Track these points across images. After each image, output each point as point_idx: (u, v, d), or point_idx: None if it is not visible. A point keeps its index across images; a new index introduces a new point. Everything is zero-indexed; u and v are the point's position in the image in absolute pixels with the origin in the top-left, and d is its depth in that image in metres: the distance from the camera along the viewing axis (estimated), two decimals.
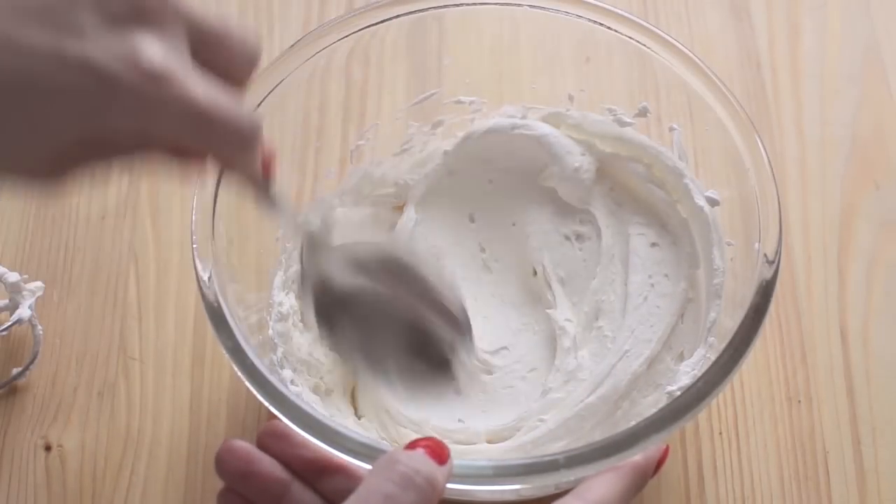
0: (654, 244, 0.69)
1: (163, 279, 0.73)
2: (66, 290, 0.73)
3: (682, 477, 0.67)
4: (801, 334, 0.71)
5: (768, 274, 0.59)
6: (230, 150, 0.47)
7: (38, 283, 0.71)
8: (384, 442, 0.63)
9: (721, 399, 0.68)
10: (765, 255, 0.60)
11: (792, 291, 0.72)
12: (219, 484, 0.66)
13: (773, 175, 0.62)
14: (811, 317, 0.72)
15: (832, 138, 0.78)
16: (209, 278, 0.58)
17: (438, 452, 0.49)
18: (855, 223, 0.75)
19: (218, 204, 0.60)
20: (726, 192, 0.66)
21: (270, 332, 0.65)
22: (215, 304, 0.57)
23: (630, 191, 0.71)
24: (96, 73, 0.43)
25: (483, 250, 0.72)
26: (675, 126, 0.68)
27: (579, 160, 0.70)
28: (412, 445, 0.49)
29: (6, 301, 0.70)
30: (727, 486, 0.67)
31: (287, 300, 0.67)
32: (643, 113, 0.69)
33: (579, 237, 0.71)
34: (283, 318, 0.66)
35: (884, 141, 0.78)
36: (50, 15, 0.42)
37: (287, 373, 0.64)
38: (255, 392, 0.55)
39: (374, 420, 0.66)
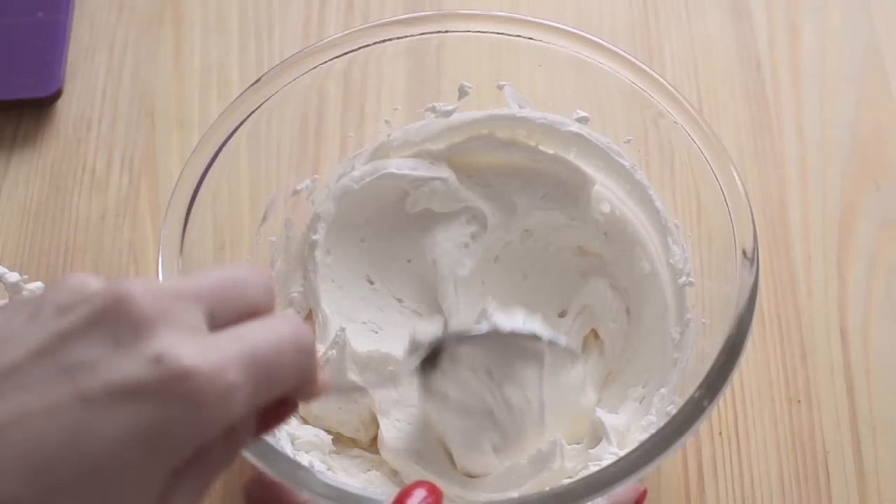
0: (543, 196, 0.70)
1: None
2: None
3: (682, 477, 0.67)
4: (801, 334, 0.71)
5: (749, 280, 0.58)
6: (305, 369, 0.42)
7: (38, 284, 0.71)
8: (354, 484, 0.62)
9: (721, 399, 0.68)
10: (743, 251, 0.59)
11: (792, 291, 0.72)
12: (219, 484, 0.66)
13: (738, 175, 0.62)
14: (811, 317, 0.72)
15: (832, 138, 0.78)
16: None
17: (436, 498, 0.49)
18: (855, 223, 0.75)
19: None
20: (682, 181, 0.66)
21: None
22: None
23: (492, 165, 0.71)
24: (141, 397, 0.37)
25: (400, 301, 0.71)
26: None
27: (433, 171, 0.70)
28: (407, 492, 0.49)
29: (6, 301, 0.70)
30: (727, 486, 0.67)
31: None
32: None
33: (474, 237, 0.71)
34: None
35: (884, 141, 0.78)
36: (61, 375, 0.37)
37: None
38: None
39: (387, 470, 0.65)
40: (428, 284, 0.70)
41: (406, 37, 0.67)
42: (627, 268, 0.69)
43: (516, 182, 0.71)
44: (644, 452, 0.54)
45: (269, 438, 0.59)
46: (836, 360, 0.70)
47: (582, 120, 0.69)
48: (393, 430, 0.65)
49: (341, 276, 0.70)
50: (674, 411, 0.56)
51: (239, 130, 0.64)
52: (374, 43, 0.67)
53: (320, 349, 0.66)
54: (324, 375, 0.45)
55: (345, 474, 0.64)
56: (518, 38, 0.67)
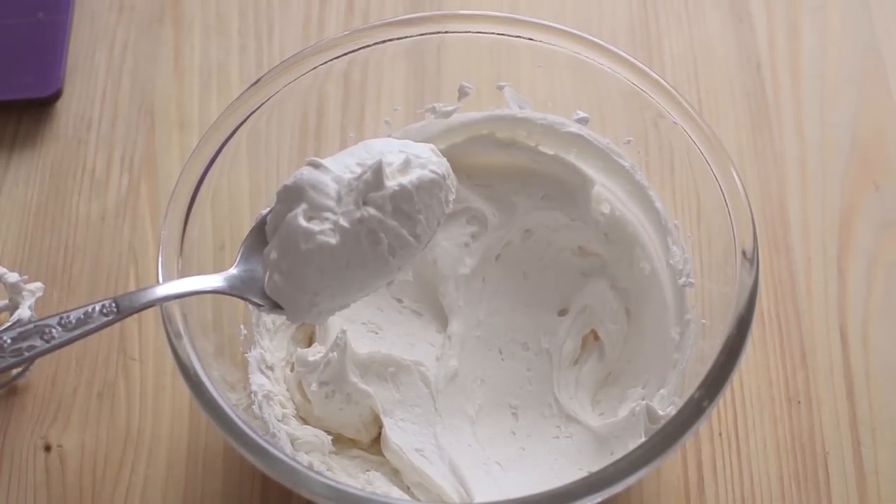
0: (543, 196, 0.70)
1: None
2: (66, 291, 0.73)
3: (682, 477, 0.67)
4: (801, 335, 0.71)
5: (749, 281, 0.59)
6: None
7: (38, 284, 0.71)
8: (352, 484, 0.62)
9: (721, 400, 0.68)
10: (743, 251, 0.60)
11: (792, 291, 0.72)
12: (218, 484, 0.67)
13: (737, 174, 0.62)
14: (811, 317, 0.72)
15: (832, 138, 0.78)
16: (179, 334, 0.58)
17: None
18: (855, 223, 0.75)
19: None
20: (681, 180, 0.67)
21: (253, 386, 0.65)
22: (188, 364, 0.58)
23: (492, 166, 0.71)
24: None
25: (400, 301, 0.71)
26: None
27: None
28: None
29: (6, 301, 0.70)
30: (727, 487, 0.67)
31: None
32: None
33: (475, 236, 0.71)
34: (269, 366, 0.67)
35: (884, 141, 0.78)
36: None
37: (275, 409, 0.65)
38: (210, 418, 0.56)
39: (388, 469, 0.65)
40: (427, 284, 0.70)
41: (406, 37, 0.67)
42: (627, 268, 0.69)
43: (516, 182, 0.71)
44: (644, 452, 0.54)
45: (268, 439, 0.59)
46: (835, 360, 0.70)
47: (582, 121, 0.69)
48: (397, 429, 0.65)
49: None
50: (674, 412, 0.56)
51: (239, 130, 0.64)
52: (374, 43, 0.67)
53: (321, 351, 0.66)
54: None
55: (344, 474, 0.64)
56: (518, 39, 0.67)
